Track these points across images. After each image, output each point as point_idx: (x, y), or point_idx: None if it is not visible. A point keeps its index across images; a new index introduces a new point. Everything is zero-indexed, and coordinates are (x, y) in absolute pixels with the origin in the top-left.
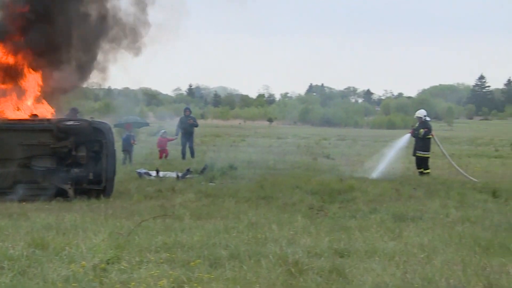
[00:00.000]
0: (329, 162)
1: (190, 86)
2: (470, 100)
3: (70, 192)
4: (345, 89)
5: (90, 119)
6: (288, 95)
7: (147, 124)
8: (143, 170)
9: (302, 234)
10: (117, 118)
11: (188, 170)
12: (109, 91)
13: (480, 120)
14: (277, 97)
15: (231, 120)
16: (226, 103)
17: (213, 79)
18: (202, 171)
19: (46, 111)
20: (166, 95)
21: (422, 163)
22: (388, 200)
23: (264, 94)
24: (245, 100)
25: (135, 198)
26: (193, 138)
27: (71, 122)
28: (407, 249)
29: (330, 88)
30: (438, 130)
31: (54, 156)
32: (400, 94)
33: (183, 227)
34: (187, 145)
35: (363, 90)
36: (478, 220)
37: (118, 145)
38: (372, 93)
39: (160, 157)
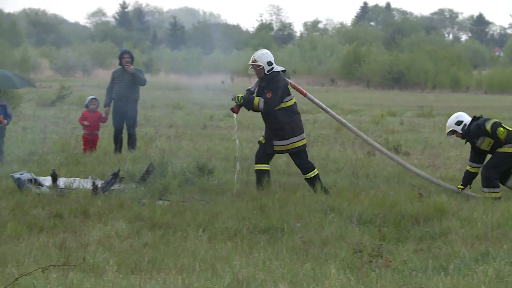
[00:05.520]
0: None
1: (124, 6)
2: None
3: None
4: (434, 14)
5: None
6: (320, 25)
7: (30, 85)
8: (25, 174)
9: None
10: None
11: (115, 174)
12: None
13: None
14: (298, 30)
15: (205, 75)
16: (197, 42)
17: None
18: (144, 176)
19: None
20: (77, 24)
21: (296, 159)
22: None
23: (272, 23)
24: (234, 36)
25: (9, 230)
26: (137, 112)
27: None
28: None
29: (404, 13)
30: None
31: None
32: None
33: (103, 287)
34: (124, 125)
35: (470, 17)
36: None
37: None
38: (488, 23)
39: (86, 149)
